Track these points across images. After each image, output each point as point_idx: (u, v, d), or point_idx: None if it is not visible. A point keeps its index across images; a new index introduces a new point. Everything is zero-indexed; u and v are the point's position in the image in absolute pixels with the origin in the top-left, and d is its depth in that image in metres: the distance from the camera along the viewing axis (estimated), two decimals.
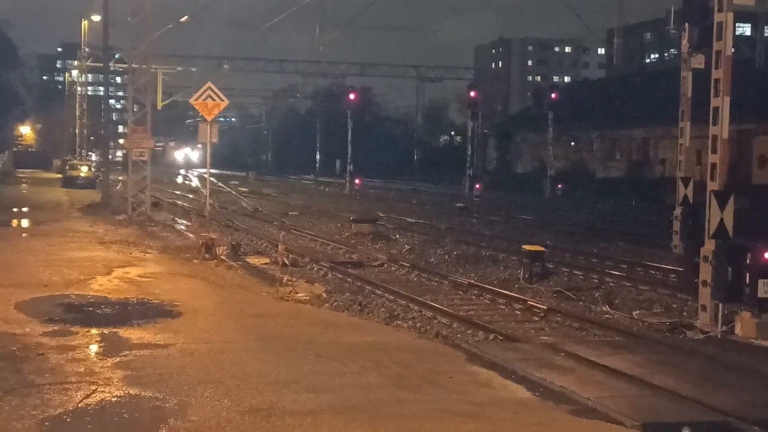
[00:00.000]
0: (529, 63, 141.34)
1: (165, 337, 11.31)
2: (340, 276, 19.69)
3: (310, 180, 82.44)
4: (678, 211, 24.30)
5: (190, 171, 78.77)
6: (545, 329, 14.34)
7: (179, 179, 73.63)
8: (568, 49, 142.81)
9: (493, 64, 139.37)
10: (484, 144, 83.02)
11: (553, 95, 63.98)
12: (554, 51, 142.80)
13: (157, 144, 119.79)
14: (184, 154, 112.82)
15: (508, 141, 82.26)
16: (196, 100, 22.66)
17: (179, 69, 77.39)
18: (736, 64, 13.88)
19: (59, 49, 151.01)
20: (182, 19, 39.76)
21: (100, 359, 10.14)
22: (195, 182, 64.33)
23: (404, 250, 25.19)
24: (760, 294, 12.42)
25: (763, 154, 40.78)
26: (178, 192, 53.09)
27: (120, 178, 43.98)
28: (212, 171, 25.58)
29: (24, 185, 55.33)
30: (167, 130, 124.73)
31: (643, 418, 8.50)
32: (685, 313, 15.18)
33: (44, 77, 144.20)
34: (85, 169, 57.54)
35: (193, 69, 78.19)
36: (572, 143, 70.12)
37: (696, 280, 13.67)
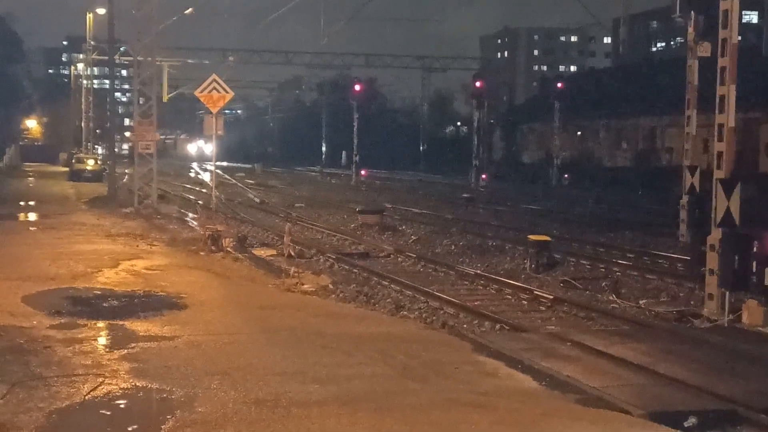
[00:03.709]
0: (535, 53, 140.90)
1: (171, 329, 11.33)
2: (346, 267, 19.70)
3: (316, 171, 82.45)
4: (684, 199, 24.25)
5: (202, 164, 78.75)
6: (552, 319, 14.34)
7: (188, 172, 73.59)
8: (574, 39, 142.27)
9: (499, 54, 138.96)
10: (490, 134, 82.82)
11: (559, 85, 63.88)
12: (560, 40, 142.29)
13: (168, 137, 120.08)
14: (197, 146, 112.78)
15: (514, 131, 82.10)
16: (201, 92, 22.65)
17: (190, 62, 77.55)
18: (742, 52, 13.82)
19: (65, 43, 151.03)
20: (187, 12, 39.78)
21: (107, 352, 10.17)
22: (204, 176, 64.33)
23: (410, 240, 25.18)
24: (767, 282, 12.39)
25: None
26: (185, 185, 53.13)
27: (126, 171, 44.01)
28: (220, 163, 25.55)
29: (31, 179, 55.43)
30: (176, 123, 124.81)
31: (649, 407, 8.49)
32: (692, 302, 15.15)
33: (50, 71, 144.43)
34: (91, 162, 57.54)
35: (207, 62, 78.27)
36: (578, 133, 69.95)
37: (703, 268, 13.65)
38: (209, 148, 25.17)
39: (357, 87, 66.62)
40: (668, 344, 11.59)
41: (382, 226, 27.86)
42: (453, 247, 23.59)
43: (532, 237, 20.25)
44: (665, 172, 48.38)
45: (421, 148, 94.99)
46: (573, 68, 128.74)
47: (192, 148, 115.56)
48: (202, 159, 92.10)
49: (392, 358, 10.08)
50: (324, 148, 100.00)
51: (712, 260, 13.27)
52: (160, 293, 14.13)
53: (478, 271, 18.78)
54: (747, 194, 13.35)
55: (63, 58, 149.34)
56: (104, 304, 13.14)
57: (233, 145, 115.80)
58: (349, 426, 7.56)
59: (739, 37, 13.56)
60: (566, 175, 62.27)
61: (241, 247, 21.32)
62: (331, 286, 16.67)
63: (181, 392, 8.42)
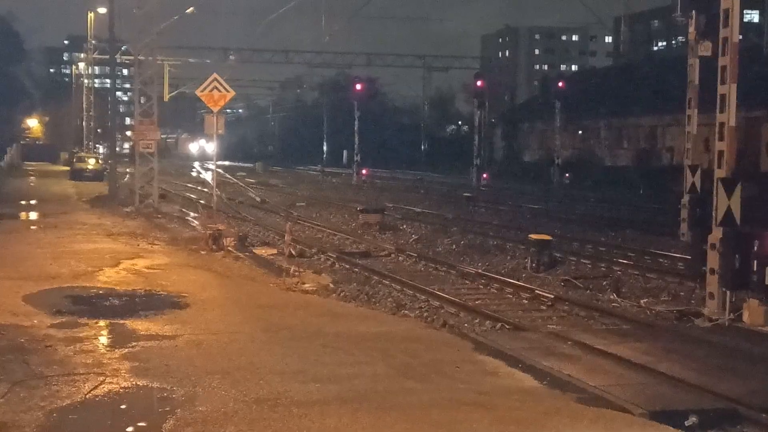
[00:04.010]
0: (536, 52, 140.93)
1: (172, 328, 11.34)
2: (347, 266, 19.70)
3: (317, 171, 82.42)
4: (686, 199, 24.23)
5: (204, 163, 78.83)
6: (552, 318, 14.33)
7: (190, 171, 73.57)
8: (575, 38, 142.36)
9: (500, 53, 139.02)
10: (491, 133, 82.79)
11: (560, 84, 63.80)
12: (561, 39, 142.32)
13: (170, 136, 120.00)
14: (198, 145, 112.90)
15: (515, 130, 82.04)
16: (201, 91, 22.65)
17: (192, 61, 77.57)
18: (743, 51, 13.81)
19: (66, 42, 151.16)
20: (188, 11, 39.72)
21: (108, 350, 10.18)
22: (205, 175, 64.36)
23: (411, 240, 25.18)
24: None
25: None
26: (186, 184, 53.15)
27: (127, 170, 44.06)
28: (222, 163, 25.53)
29: (32, 178, 55.46)
30: (177, 122, 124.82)
31: (650, 406, 8.49)
32: (692, 301, 15.14)
33: (51, 70, 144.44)
34: (92, 161, 57.64)
35: (208, 61, 78.27)
36: (579, 132, 69.90)
37: (703, 268, 13.63)
38: (211, 147, 25.18)
39: (358, 86, 66.57)
40: (669, 343, 11.59)
41: (383, 226, 27.85)
42: (454, 246, 23.59)
43: (533, 236, 20.23)
44: (666, 172, 48.34)
45: (422, 147, 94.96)
46: (574, 67, 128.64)
47: (194, 147, 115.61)
48: (204, 158, 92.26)
49: (393, 358, 10.09)
50: (325, 148, 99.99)
51: (713, 259, 13.26)
52: (161, 292, 14.15)
53: (479, 271, 18.76)
54: (748, 193, 13.35)
55: (64, 58, 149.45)
56: (105, 303, 13.15)
57: (234, 145, 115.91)
58: (349, 425, 7.56)
59: (740, 36, 13.55)
60: (567, 175, 62.23)
61: (242, 246, 21.32)
62: (331, 285, 16.67)
63: (182, 391, 8.43)
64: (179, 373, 9.03)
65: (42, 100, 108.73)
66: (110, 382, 8.72)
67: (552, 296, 15.60)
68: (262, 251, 21.38)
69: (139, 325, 11.55)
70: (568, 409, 8.36)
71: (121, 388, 8.59)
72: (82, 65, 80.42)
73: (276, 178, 64.83)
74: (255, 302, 13.84)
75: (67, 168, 62.16)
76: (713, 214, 13.30)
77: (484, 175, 61.23)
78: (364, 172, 64.47)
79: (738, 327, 12.70)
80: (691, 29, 23.68)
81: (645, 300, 15.58)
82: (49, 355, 9.77)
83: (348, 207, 34.96)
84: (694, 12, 23.48)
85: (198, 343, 10.53)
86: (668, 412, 8.39)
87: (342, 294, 15.93)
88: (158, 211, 30.61)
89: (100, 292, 14.05)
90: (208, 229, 21.22)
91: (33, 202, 34.59)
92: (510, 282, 17.24)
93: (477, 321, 13.78)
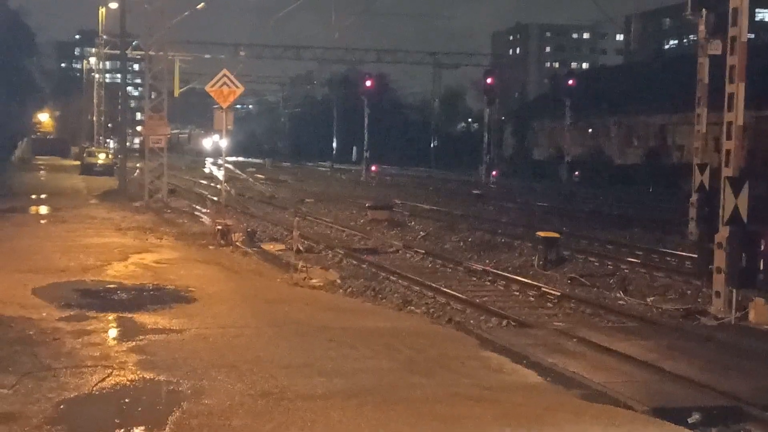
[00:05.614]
0: (547, 49, 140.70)
1: (179, 322, 11.40)
2: (354, 262, 19.76)
3: (326, 167, 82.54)
4: (694, 197, 24.20)
5: (216, 159, 78.83)
6: (558, 315, 14.36)
7: (201, 167, 73.60)
8: (586, 36, 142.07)
9: (511, 50, 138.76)
10: (501, 131, 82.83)
11: (570, 81, 63.74)
12: (572, 37, 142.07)
13: (182, 131, 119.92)
14: (212, 141, 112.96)
15: (525, 128, 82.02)
16: (211, 87, 22.70)
17: (207, 56, 77.73)
18: (753, 50, 13.80)
19: (77, 37, 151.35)
20: (198, 6, 39.87)
21: (116, 344, 10.25)
22: (216, 172, 64.45)
23: (419, 236, 25.21)
24: None
25: None
26: (196, 179, 53.27)
27: (137, 165, 44.18)
28: (235, 158, 25.50)
29: (42, 172, 55.67)
30: (187, 117, 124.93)
31: (653, 403, 8.52)
32: (699, 300, 15.15)
33: (62, 65, 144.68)
34: (102, 156, 57.80)
35: (222, 56, 78.37)
36: (589, 130, 69.84)
37: (710, 266, 13.64)
38: (224, 143, 25.26)
39: (368, 82, 66.62)
40: (674, 341, 11.60)
41: (391, 222, 27.90)
42: (461, 243, 23.61)
43: (540, 233, 20.27)
44: (676, 170, 48.30)
45: (432, 144, 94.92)
46: (585, 65, 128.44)
47: (207, 142, 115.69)
48: (217, 154, 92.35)
49: (398, 353, 10.13)
50: (334, 144, 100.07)
51: (720, 258, 13.26)
52: (169, 286, 14.21)
53: (486, 267, 18.81)
54: (756, 192, 13.34)
55: (75, 52, 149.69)
56: (113, 297, 13.22)
57: (244, 141, 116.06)
58: (353, 419, 7.61)
59: (752, 35, 13.53)
60: (576, 173, 62.19)
61: (251, 241, 21.39)
62: (339, 281, 16.71)
63: (188, 384, 8.48)
64: (186, 367, 9.09)
65: (53, 94, 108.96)
66: (117, 375, 8.78)
67: (558, 293, 15.64)
68: (270, 247, 21.44)
69: (146, 318, 11.62)
70: (572, 404, 8.40)
71: (128, 380, 8.65)
72: (93, 60, 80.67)
73: (285, 174, 64.90)
74: (262, 297, 13.90)
75: (78, 162, 62.36)
76: (720, 213, 13.30)
77: (494, 173, 61.23)
78: (373, 168, 64.53)
79: (744, 325, 12.71)
80: (701, 28, 23.63)
81: (651, 298, 15.60)
82: (57, 348, 9.84)
83: (357, 203, 35.00)
84: (704, 10, 23.44)
85: (205, 337, 10.59)
86: (672, 409, 8.41)
87: (349, 290, 15.98)
88: (167, 206, 30.73)
89: (109, 286, 14.12)
90: (216, 225, 21.29)
91: (43, 196, 34.73)
92: (517, 279, 17.28)
93: (483, 317, 13.83)
